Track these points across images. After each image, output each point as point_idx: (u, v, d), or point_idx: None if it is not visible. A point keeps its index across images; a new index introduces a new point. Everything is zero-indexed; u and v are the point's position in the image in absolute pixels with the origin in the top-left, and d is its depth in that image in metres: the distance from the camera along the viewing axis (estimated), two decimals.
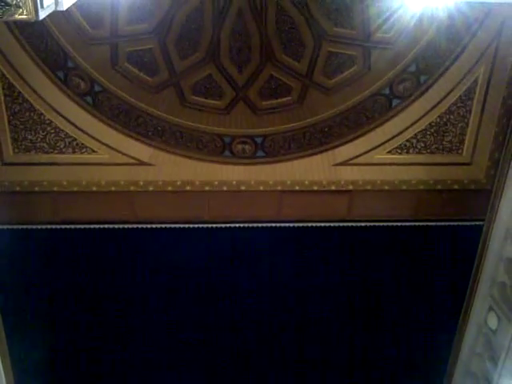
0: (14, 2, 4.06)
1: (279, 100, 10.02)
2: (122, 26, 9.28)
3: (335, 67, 9.78)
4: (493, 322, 9.31)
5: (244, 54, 9.93)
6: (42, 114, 8.69)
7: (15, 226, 9.19)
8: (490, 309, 9.40)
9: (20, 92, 8.48)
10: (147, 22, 9.44)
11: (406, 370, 10.58)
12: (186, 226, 9.54)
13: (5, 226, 9.13)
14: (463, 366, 10.23)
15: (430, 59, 8.95)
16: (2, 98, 8.45)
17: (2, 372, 9.36)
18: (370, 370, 10.72)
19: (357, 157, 9.39)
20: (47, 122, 8.76)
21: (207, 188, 9.37)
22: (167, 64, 9.71)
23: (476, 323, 9.78)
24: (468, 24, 8.52)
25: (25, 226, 9.23)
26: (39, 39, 8.39)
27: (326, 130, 9.51)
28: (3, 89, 8.40)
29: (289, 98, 10.00)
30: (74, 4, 8.58)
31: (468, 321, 9.92)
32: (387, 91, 9.32)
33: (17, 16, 4.14)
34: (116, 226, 9.42)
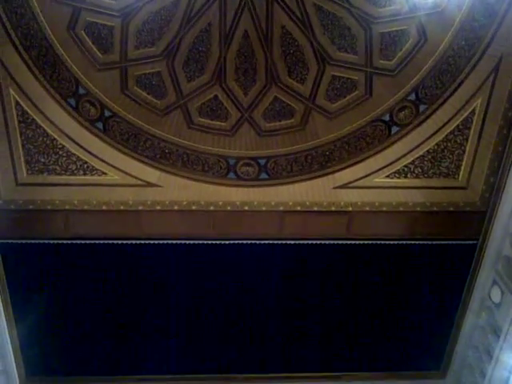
0: None
1: (282, 122, 10.30)
2: (131, 49, 9.56)
3: (338, 91, 10.03)
4: (496, 295, 9.52)
5: (249, 75, 10.18)
6: (54, 139, 9.04)
7: (28, 241, 9.62)
8: (494, 283, 9.62)
9: (34, 119, 8.84)
10: (156, 45, 9.71)
11: (410, 342, 10.85)
12: (192, 242, 9.94)
13: (19, 241, 9.58)
14: (465, 338, 10.46)
15: (430, 89, 9.22)
16: (17, 124, 8.81)
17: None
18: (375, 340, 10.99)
19: (356, 180, 9.69)
20: (59, 146, 9.11)
21: (212, 208, 9.70)
22: (175, 86, 9.99)
23: (479, 297, 10.02)
24: (467, 57, 8.78)
25: (37, 241, 9.65)
26: (52, 68, 8.71)
27: (327, 153, 9.81)
28: (17, 116, 8.76)
29: (292, 120, 10.27)
30: (84, 30, 9.13)
31: (472, 294, 10.12)
32: (387, 118, 9.59)
33: None
34: (124, 242, 9.83)
